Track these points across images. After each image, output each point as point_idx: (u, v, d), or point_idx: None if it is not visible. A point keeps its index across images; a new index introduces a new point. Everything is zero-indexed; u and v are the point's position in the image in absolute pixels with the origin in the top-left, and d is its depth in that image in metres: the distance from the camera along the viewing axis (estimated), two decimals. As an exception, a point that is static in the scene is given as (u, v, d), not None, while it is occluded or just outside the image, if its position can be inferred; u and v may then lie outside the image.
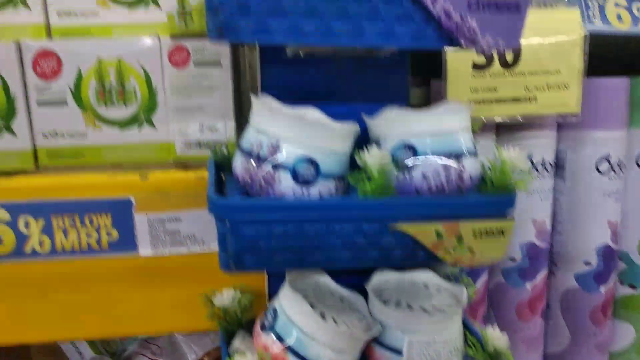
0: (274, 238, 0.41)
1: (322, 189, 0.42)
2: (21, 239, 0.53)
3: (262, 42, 0.39)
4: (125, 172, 0.54)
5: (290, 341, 0.43)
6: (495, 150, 0.45)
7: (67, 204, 0.53)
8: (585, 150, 0.68)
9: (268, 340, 0.44)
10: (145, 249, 0.54)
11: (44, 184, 0.53)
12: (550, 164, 0.69)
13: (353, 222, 0.42)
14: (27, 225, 0.52)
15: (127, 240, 0.54)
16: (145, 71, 0.54)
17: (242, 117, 0.57)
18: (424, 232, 0.43)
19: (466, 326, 0.51)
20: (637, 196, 0.71)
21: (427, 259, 0.44)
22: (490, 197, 0.44)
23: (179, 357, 0.87)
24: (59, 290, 0.55)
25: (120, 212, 0.53)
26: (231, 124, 0.55)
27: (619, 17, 0.67)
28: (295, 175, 0.41)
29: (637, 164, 0.70)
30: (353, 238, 0.43)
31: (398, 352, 0.46)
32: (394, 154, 0.44)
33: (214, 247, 0.55)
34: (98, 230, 0.53)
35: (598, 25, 0.66)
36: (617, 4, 0.67)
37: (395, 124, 0.44)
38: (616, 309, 0.74)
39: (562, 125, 0.68)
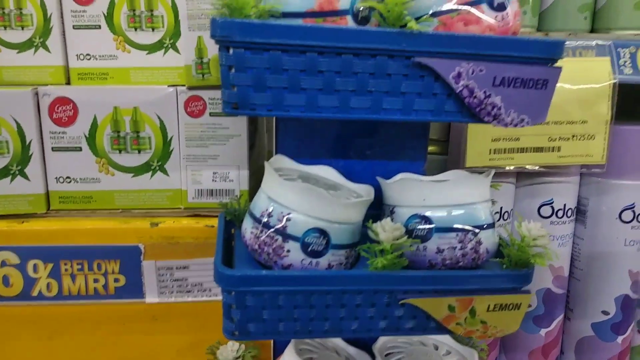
0: (280, 309, 0.40)
1: (332, 259, 0.41)
2: (29, 282, 0.53)
3: (279, 116, 0.38)
4: (136, 218, 0.54)
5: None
6: (516, 222, 0.43)
7: (76, 249, 0.53)
8: (608, 198, 0.66)
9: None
10: (152, 296, 0.54)
11: (54, 229, 0.53)
12: (572, 210, 0.67)
13: (363, 294, 0.41)
14: (35, 268, 0.53)
15: (134, 287, 0.54)
16: (160, 120, 0.53)
17: (256, 166, 0.56)
18: (436, 306, 0.42)
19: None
20: (660, 244, 0.69)
21: (437, 330, 0.43)
22: (507, 272, 0.42)
23: None
24: (65, 333, 0.55)
25: (129, 258, 0.53)
26: (245, 173, 0.55)
27: (651, 66, 0.65)
28: (304, 247, 0.40)
29: (662, 213, 0.68)
30: (362, 309, 0.42)
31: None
32: (408, 225, 0.42)
33: (221, 295, 0.54)
34: (105, 276, 0.53)
35: (629, 74, 0.63)
36: (650, 52, 0.65)
37: (410, 194, 0.43)
38: (633, 357, 0.72)
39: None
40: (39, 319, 0.54)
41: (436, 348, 0.51)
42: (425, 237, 0.42)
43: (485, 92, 0.39)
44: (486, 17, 0.38)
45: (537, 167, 0.63)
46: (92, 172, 0.54)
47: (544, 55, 0.39)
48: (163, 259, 0.53)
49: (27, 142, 0.53)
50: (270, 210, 0.41)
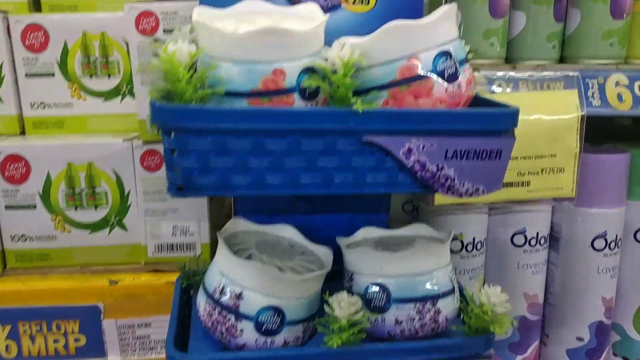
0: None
1: (288, 336, 0.40)
2: (-13, 345, 0.52)
3: (226, 195, 0.36)
4: (94, 275, 0.53)
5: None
6: (476, 289, 0.43)
7: (34, 310, 0.52)
8: (580, 226, 0.66)
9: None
10: (114, 355, 0.53)
11: (11, 290, 0.51)
12: (545, 238, 0.67)
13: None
14: (-7, 331, 0.51)
15: (95, 346, 0.53)
16: (117, 175, 0.52)
17: (218, 218, 0.55)
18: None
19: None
20: (633, 269, 0.69)
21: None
22: (467, 340, 0.42)
23: None
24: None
25: (89, 318, 0.52)
26: (206, 226, 0.54)
27: (620, 97, 0.64)
28: (258, 326, 0.39)
29: (635, 238, 0.68)
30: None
31: None
32: (366, 293, 0.42)
33: None
34: (65, 336, 0.52)
35: (597, 106, 0.63)
36: (618, 83, 0.64)
37: (367, 262, 0.42)
38: (607, 381, 0.73)
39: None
40: (-1, 380, 0.53)
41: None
42: (383, 308, 0.41)
43: (437, 165, 0.38)
44: (437, 88, 0.37)
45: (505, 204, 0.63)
46: (48, 230, 0.52)
47: (497, 127, 0.38)
48: (124, 317, 0.52)
49: (-17, 204, 0.51)
50: (222, 286, 0.40)
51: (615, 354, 0.72)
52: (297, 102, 0.36)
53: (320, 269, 0.42)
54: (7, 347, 0.52)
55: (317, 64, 0.36)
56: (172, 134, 0.35)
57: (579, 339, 0.68)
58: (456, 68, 0.38)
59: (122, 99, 0.55)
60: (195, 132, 0.35)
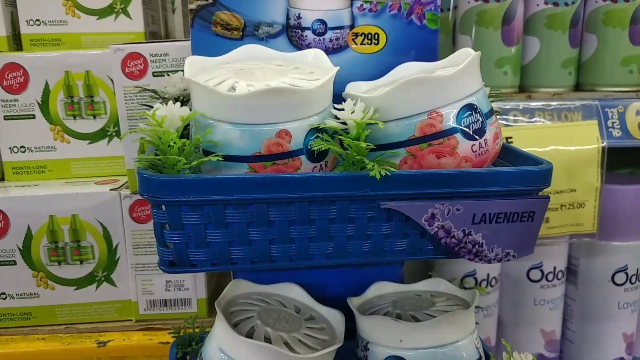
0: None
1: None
2: (-36, 417, 0.47)
3: (226, 270, 0.32)
4: (81, 334, 0.48)
5: None
6: (505, 353, 0.39)
7: (15, 377, 0.47)
8: (600, 259, 0.63)
9: None
10: None
11: (-10, 356, 0.47)
12: (562, 272, 0.64)
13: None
14: (-30, 402, 0.47)
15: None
16: (103, 227, 0.48)
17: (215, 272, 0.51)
18: None
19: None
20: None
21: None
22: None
23: None
24: None
25: (76, 385, 0.48)
26: (202, 280, 0.49)
27: (641, 126, 0.61)
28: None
29: (656, 270, 0.65)
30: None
31: None
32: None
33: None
34: (50, 405, 0.48)
35: (617, 137, 0.59)
36: (638, 112, 0.60)
37: (385, 332, 0.38)
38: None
39: (576, 232, 0.63)
40: None
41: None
42: (402, 381, 0.37)
43: (464, 230, 0.34)
44: (462, 146, 0.33)
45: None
46: (30, 287, 0.48)
47: (528, 187, 0.34)
48: (114, 382, 0.48)
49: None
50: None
51: None
52: (305, 165, 0.32)
53: (330, 338, 0.38)
54: (-15, 417, 0.47)
55: (326, 124, 0.32)
56: (163, 207, 0.31)
57: None
58: (482, 122, 0.34)
59: (109, 141, 0.51)
60: (189, 204, 0.31)
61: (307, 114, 0.32)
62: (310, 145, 0.32)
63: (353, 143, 0.31)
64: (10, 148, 0.51)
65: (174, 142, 0.29)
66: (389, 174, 0.31)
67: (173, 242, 0.31)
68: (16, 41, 0.52)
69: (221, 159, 0.31)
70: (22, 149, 0.51)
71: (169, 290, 0.49)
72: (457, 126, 0.33)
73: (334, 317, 0.41)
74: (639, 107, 0.60)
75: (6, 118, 0.50)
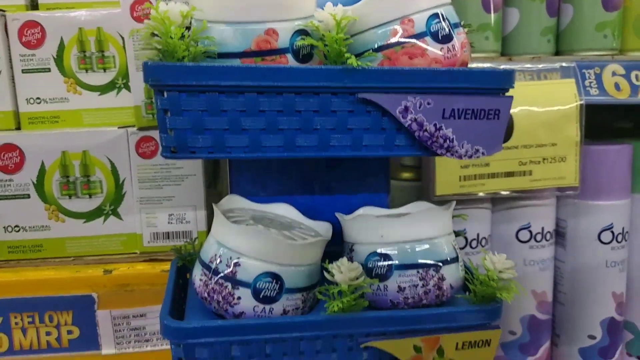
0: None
1: (287, 304, 0.39)
2: (-23, 338, 0.50)
3: (221, 158, 0.36)
4: (88, 266, 0.52)
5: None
6: (480, 258, 0.42)
7: (25, 301, 0.50)
8: (586, 219, 0.65)
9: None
10: (108, 347, 0.51)
11: (3, 281, 0.50)
12: (550, 233, 0.66)
13: (321, 340, 0.39)
14: (-17, 324, 0.50)
15: (89, 338, 0.51)
16: (111, 162, 0.52)
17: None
18: (401, 348, 0.40)
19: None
20: (643, 263, 0.67)
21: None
22: (473, 308, 0.40)
23: None
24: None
25: (82, 309, 0.50)
26: (202, 214, 0.53)
27: (617, 87, 0.64)
28: (256, 293, 0.38)
29: (643, 231, 0.67)
30: (322, 356, 0.39)
31: None
32: (367, 263, 0.41)
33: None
34: (58, 328, 0.51)
35: (595, 95, 0.63)
36: (614, 73, 0.64)
37: (367, 231, 0.41)
38: (623, 381, 0.70)
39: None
40: (-11, 377, 0.51)
41: None
42: (385, 276, 0.40)
43: (435, 124, 0.37)
44: (432, 49, 0.37)
45: (509, 193, 0.62)
46: (42, 220, 0.52)
47: (494, 86, 0.38)
48: (118, 308, 0.51)
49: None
50: (218, 255, 0.39)
51: (629, 354, 0.70)
52: (291, 64, 0.36)
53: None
54: (-3, 342, 0.50)
55: (310, 24, 0.36)
56: (165, 94, 0.35)
57: (591, 337, 0.66)
58: (450, 30, 0.38)
59: (117, 93, 0.55)
60: (189, 90, 0.35)
61: (293, 16, 0.36)
62: (295, 45, 0.36)
63: (334, 38, 0.35)
64: (27, 99, 0.55)
65: (175, 33, 0.33)
66: (366, 67, 0.35)
67: (174, 127, 0.35)
68: (34, 8, 0.58)
69: (216, 55, 0.35)
70: (38, 101, 0.55)
71: (171, 223, 0.52)
72: (427, 31, 0.37)
73: (323, 228, 0.45)
74: (615, 68, 0.64)
75: (24, 72, 0.54)
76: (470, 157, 0.39)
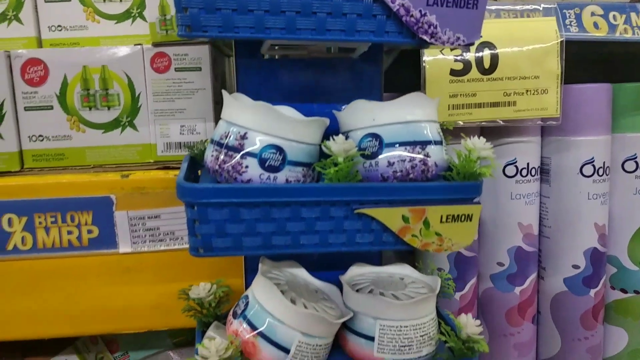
0: (242, 222, 0.42)
1: (289, 175, 0.43)
2: (4, 236, 0.54)
3: (228, 38, 0.41)
4: (107, 172, 0.56)
5: (260, 325, 0.43)
6: (462, 139, 0.46)
7: (49, 202, 0.54)
8: (568, 154, 0.69)
9: (238, 326, 0.45)
10: (125, 246, 0.55)
11: (27, 184, 0.54)
12: (535, 169, 0.69)
13: (320, 207, 0.43)
14: (10, 222, 0.54)
15: (107, 238, 0.55)
16: (128, 77, 0.56)
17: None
18: (390, 216, 0.44)
19: (441, 317, 0.52)
20: (624, 201, 0.71)
21: (394, 244, 0.45)
22: (456, 184, 0.45)
23: None
24: (41, 287, 0.56)
25: (101, 209, 0.55)
26: (211, 125, 0.57)
27: (596, 25, 0.69)
28: (262, 162, 0.42)
29: (623, 169, 0.71)
30: (321, 223, 0.44)
31: (370, 338, 0.46)
32: (361, 144, 0.45)
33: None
34: (79, 228, 0.55)
35: (575, 32, 0.67)
36: (593, 13, 0.69)
37: (360, 115, 0.45)
38: (608, 315, 0.74)
39: (546, 131, 0.69)
40: (15, 273, 0.55)
41: (402, 280, 0.53)
42: (376, 153, 0.45)
43: (420, 11, 0.42)
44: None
45: (496, 122, 0.66)
46: (64, 130, 0.56)
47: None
48: (135, 209, 0.55)
49: (0, 102, 0.55)
50: (228, 132, 0.43)
51: (613, 287, 0.73)
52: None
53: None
54: (22, 239, 0.54)
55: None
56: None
57: (575, 266, 0.70)
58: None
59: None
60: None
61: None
62: None
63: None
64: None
65: None
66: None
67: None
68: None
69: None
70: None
71: (182, 134, 0.57)
72: None
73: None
74: (594, 9, 0.69)
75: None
76: (452, 43, 0.43)
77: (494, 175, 0.45)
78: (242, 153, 0.42)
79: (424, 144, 0.44)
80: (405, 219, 0.44)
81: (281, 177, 0.43)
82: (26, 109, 0.56)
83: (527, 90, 0.66)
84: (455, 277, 0.69)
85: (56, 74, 0.56)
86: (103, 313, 0.57)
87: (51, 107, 0.56)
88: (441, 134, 0.47)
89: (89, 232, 0.55)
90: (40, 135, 0.56)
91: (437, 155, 0.45)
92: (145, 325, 0.58)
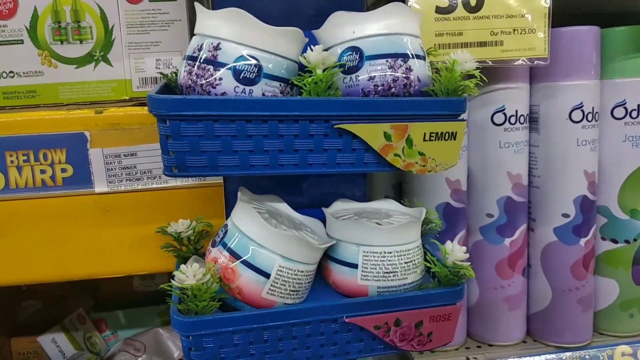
0: (216, 139, 0.40)
1: (265, 89, 0.41)
2: (-25, 177, 0.52)
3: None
4: (81, 108, 0.54)
5: (238, 250, 0.42)
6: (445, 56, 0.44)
7: (20, 139, 0.52)
8: (557, 100, 0.68)
9: (217, 253, 0.43)
10: (101, 186, 0.53)
11: (-2, 121, 0.52)
12: (524, 117, 0.68)
13: (299, 124, 0.41)
14: (-20, 162, 0.52)
15: (82, 177, 0.53)
16: (100, 9, 0.54)
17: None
18: (372, 133, 0.42)
19: (427, 250, 0.50)
20: (614, 148, 0.70)
21: (376, 165, 0.43)
22: (439, 99, 0.43)
23: (164, 354, 0.85)
24: (14, 230, 0.54)
25: (75, 147, 0.53)
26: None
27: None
28: (236, 73, 0.40)
29: (612, 116, 0.70)
30: (300, 141, 0.42)
31: (353, 265, 0.45)
32: (341, 59, 0.43)
33: (171, 182, 0.54)
34: (52, 166, 0.53)
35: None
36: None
37: (339, 30, 0.44)
38: (599, 267, 0.73)
39: (534, 77, 0.68)
40: (-13, 216, 0.53)
41: (388, 214, 0.51)
42: (356, 67, 0.43)
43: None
44: None
45: (488, 62, 0.65)
46: (35, 65, 0.54)
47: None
48: (110, 147, 0.53)
49: (-32, 36, 0.53)
50: (201, 45, 0.41)
51: (603, 238, 0.72)
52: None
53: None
54: (-6, 179, 0.53)
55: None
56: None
57: (565, 215, 0.69)
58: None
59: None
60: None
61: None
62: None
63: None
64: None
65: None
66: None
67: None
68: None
69: None
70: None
71: (158, 68, 0.55)
72: None
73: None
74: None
75: None
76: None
77: (478, 91, 0.43)
78: (215, 64, 0.40)
79: (405, 57, 0.43)
80: (387, 136, 0.43)
81: (257, 90, 0.41)
82: (-5, 43, 0.54)
83: (514, 30, 0.65)
84: (444, 230, 0.67)
85: (26, 5, 0.53)
86: (80, 256, 0.55)
87: (22, 42, 0.54)
88: (424, 50, 0.45)
89: (63, 170, 0.53)
90: (10, 72, 0.54)
91: (419, 69, 0.44)
92: (125, 270, 0.56)
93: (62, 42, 0.54)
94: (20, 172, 0.53)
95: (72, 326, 0.88)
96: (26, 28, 0.54)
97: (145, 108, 0.54)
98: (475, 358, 0.69)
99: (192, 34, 0.55)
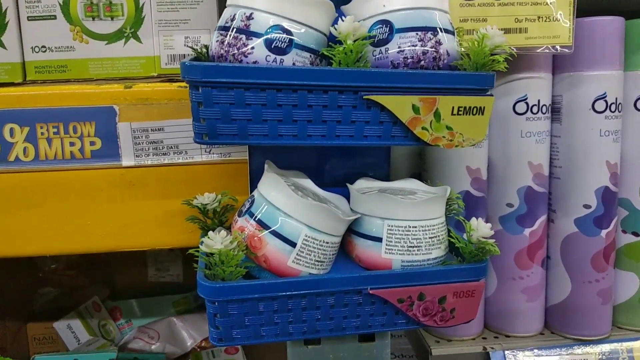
0: (247, 107, 0.41)
1: (296, 59, 0.42)
2: (6, 147, 0.53)
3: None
4: (110, 83, 0.55)
5: (265, 219, 0.42)
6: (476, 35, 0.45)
7: (51, 111, 0.53)
8: (580, 90, 0.67)
9: (244, 222, 0.43)
10: (128, 159, 0.54)
11: (29, 94, 0.53)
12: (546, 107, 0.68)
13: (328, 94, 0.42)
14: (12, 133, 0.53)
15: (110, 150, 0.54)
16: (131, -15, 0.55)
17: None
18: (400, 105, 0.43)
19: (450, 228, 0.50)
20: (637, 140, 0.69)
21: (404, 139, 0.44)
22: (468, 73, 0.43)
23: (178, 342, 0.86)
24: (42, 201, 0.54)
25: (104, 120, 0.54)
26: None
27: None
28: (268, 43, 0.41)
29: (636, 108, 0.69)
30: (328, 111, 0.42)
31: (378, 239, 0.45)
32: (371, 32, 0.44)
33: (197, 157, 0.55)
34: (81, 139, 0.54)
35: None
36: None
37: (369, 3, 0.44)
38: (619, 260, 0.72)
39: (557, 67, 0.68)
40: (17, 186, 0.54)
41: (412, 193, 0.52)
42: (386, 40, 0.43)
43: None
44: None
45: (512, 49, 0.65)
46: (67, 41, 0.55)
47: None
48: (138, 121, 0.54)
49: (3, 11, 0.54)
50: (234, 15, 0.42)
51: (624, 231, 0.72)
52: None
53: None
54: (24, 150, 0.53)
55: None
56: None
57: (586, 206, 0.68)
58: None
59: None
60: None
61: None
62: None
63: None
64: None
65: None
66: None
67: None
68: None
69: None
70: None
71: (187, 45, 0.56)
72: None
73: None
74: None
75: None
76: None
77: (506, 66, 0.43)
78: (247, 34, 0.41)
79: (435, 30, 0.43)
80: (415, 109, 0.43)
81: (288, 60, 0.41)
82: (29, 18, 0.55)
83: (538, 17, 0.64)
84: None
85: (59, -19, 0.55)
86: (106, 229, 0.55)
87: (54, 17, 0.55)
88: (453, 25, 0.45)
89: (92, 143, 0.54)
90: (43, 46, 0.55)
91: (449, 43, 0.44)
92: (148, 244, 0.57)
93: (93, 19, 0.55)
94: (50, 144, 0.54)
95: (87, 313, 0.89)
96: (59, 4, 0.55)
97: (174, 84, 0.55)
98: (492, 348, 0.68)
99: (220, 13, 0.56)
